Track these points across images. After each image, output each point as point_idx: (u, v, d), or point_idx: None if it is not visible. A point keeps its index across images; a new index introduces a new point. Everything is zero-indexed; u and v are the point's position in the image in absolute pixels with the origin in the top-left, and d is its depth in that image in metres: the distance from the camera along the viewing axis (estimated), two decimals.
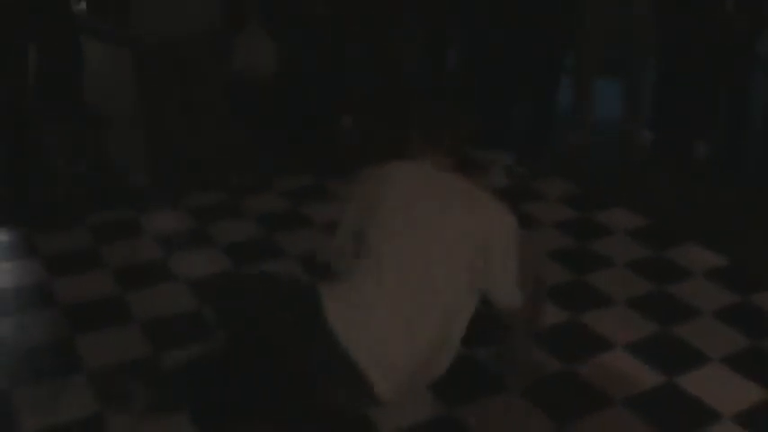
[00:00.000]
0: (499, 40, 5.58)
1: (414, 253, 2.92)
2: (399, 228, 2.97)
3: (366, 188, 3.21)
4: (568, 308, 3.87)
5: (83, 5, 7.42)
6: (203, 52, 5.02)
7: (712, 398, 3.30)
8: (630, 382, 3.39)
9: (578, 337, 3.70)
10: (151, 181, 5.21)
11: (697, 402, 3.29)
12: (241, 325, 2.97)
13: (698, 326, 3.79)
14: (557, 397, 3.30)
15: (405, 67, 6.13)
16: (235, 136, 5.53)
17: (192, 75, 5.12)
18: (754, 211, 4.90)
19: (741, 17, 4.95)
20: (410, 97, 5.86)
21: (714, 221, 4.77)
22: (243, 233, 4.61)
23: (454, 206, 2.99)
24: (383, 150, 5.53)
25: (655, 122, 5.64)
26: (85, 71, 5.14)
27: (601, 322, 3.77)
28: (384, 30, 5.96)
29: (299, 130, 5.70)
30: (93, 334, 3.68)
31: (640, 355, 3.55)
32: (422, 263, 2.90)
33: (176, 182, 5.15)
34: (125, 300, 3.94)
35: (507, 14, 5.47)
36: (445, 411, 3.19)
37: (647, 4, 5.39)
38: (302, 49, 5.60)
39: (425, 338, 2.87)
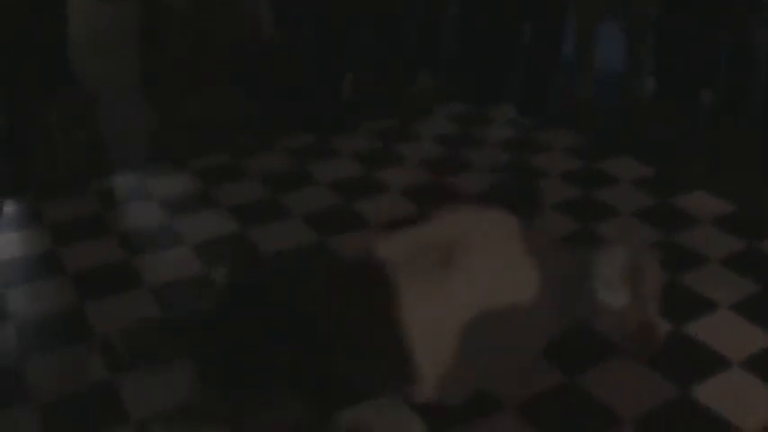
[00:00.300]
0: None
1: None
2: None
3: None
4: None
5: None
6: (203, 10, 4.99)
7: (721, 344, 3.31)
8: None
9: None
10: (152, 144, 5.20)
11: (706, 349, 3.30)
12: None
13: (705, 273, 3.79)
14: (567, 349, 3.30)
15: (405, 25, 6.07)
16: (236, 96, 5.50)
17: (193, 34, 5.09)
18: (759, 157, 4.88)
19: None
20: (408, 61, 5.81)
21: (720, 168, 4.76)
22: (247, 194, 4.60)
23: None
24: (384, 106, 5.58)
25: (658, 70, 5.60)
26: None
27: None
28: None
29: (300, 88, 5.67)
30: (103, 300, 3.70)
31: None
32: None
33: (178, 144, 5.13)
34: (132, 265, 3.95)
35: None
36: None
37: None
38: (303, 6, 5.56)
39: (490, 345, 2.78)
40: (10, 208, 4.49)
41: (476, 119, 5.50)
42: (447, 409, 2.87)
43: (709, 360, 3.24)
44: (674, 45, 5.40)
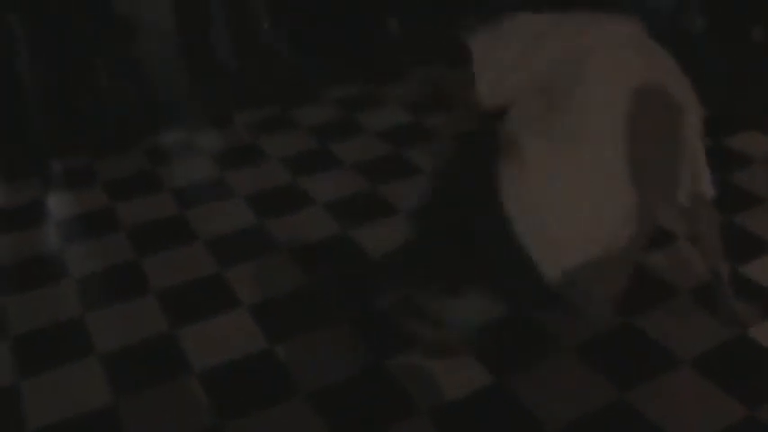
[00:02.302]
0: None
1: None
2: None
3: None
4: None
5: None
6: None
7: None
8: (694, 273, 3.38)
9: None
10: (199, 97, 5.22)
11: (763, 290, 3.27)
12: None
13: (761, 214, 3.75)
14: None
15: None
16: (277, 48, 5.50)
17: None
18: None
19: None
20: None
21: None
22: (297, 146, 4.62)
23: None
24: (431, 52, 5.54)
25: (707, 8, 5.49)
26: None
27: (662, 216, 3.74)
28: None
29: (343, 37, 5.64)
30: (159, 255, 3.75)
31: None
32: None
33: (225, 97, 5.15)
34: (186, 219, 3.99)
35: None
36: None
37: None
38: None
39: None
40: (63, 166, 4.55)
41: None
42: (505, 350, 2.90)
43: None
44: None
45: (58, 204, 4.20)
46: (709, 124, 4.44)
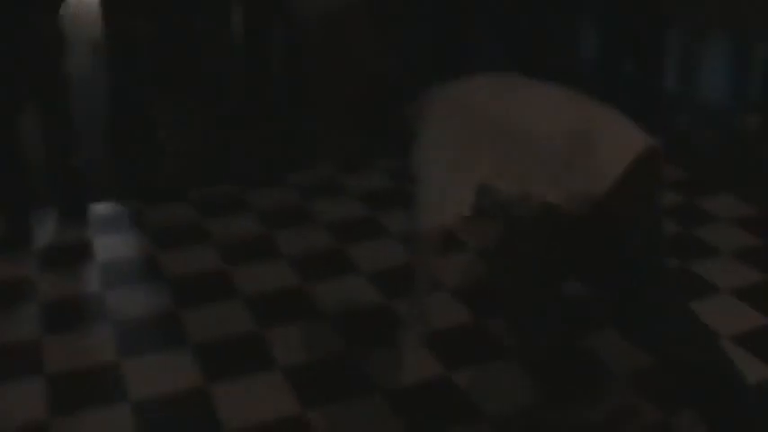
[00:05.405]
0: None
1: None
2: None
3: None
4: None
5: None
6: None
7: None
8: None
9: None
10: (252, 156, 5.27)
11: None
12: None
13: None
14: None
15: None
16: (335, 114, 5.54)
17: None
18: None
19: None
20: None
21: None
22: (345, 211, 4.64)
23: None
24: None
25: (763, 103, 5.46)
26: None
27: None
28: None
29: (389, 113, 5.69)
30: (199, 307, 3.75)
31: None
32: None
33: (278, 158, 5.19)
34: (230, 275, 4.00)
35: None
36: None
37: None
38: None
39: None
40: (111, 210, 4.60)
41: None
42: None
43: None
44: None
45: (104, 247, 4.24)
46: (760, 224, 4.44)
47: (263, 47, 5.64)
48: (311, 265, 4.09)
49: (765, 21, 5.34)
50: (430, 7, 5.90)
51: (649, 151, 2.61)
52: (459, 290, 3.87)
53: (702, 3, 5.41)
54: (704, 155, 5.35)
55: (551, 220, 2.72)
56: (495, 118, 2.68)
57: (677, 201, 4.75)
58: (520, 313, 2.95)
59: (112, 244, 4.27)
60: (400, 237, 4.35)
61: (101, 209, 4.61)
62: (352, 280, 3.98)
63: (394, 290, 3.87)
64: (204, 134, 5.24)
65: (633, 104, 5.57)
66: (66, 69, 4.27)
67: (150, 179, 4.92)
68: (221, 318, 3.67)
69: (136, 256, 4.17)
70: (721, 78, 5.69)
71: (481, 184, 2.74)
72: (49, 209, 4.54)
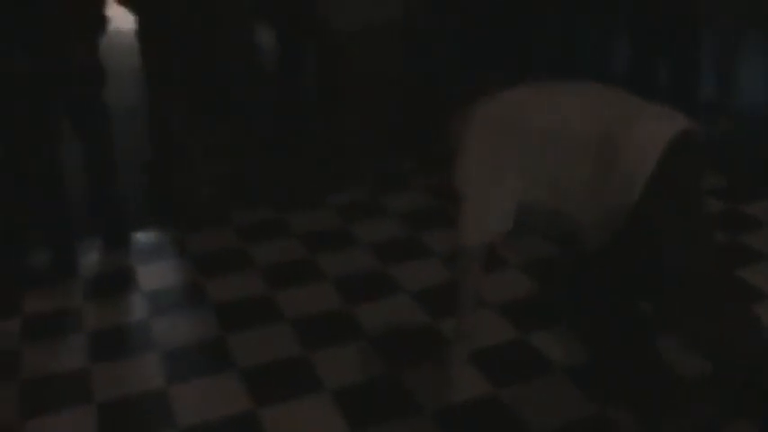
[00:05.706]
0: None
1: None
2: None
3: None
4: None
5: None
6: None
7: None
8: None
9: None
10: (290, 179, 5.29)
11: None
12: None
13: None
14: None
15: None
16: (373, 134, 5.56)
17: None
18: None
19: None
20: None
21: None
22: (386, 232, 4.63)
23: None
24: None
25: None
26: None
27: None
28: None
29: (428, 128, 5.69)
30: (244, 332, 3.76)
31: None
32: None
33: (316, 179, 5.21)
34: (274, 299, 4.01)
35: None
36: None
37: None
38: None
39: None
40: (155, 238, 4.63)
41: None
42: None
43: None
44: None
45: (148, 275, 4.27)
46: None
47: (296, 65, 5.66)
48: (355, 286, 4.09)
49: None
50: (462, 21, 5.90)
51: (681, 137, 2.58)
52: (504, 306, 3.85)
53: (740, 3, 5.35)
54: (744, 160, 5.29)
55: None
56: (534, 131, 2.68)
57: (719, 207, 4.70)
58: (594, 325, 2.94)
59: (156, 271, 4.31)
60: (442, 255, 4.34)
61: (143, 237, 4.65)
62: (396, 300, 3.97)
63: (438, 309, 3.86)
64: (242, 159, 5.25)
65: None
66: (105, 99, 4.32)
67: (189, 206, 4.95)
68: (267, 342, 3.68)
69: (180, 282, 4.20)
70: (760, 82, 5.62)
71: (522, 198, 2.74)
72: (92, 239, 4.58)
